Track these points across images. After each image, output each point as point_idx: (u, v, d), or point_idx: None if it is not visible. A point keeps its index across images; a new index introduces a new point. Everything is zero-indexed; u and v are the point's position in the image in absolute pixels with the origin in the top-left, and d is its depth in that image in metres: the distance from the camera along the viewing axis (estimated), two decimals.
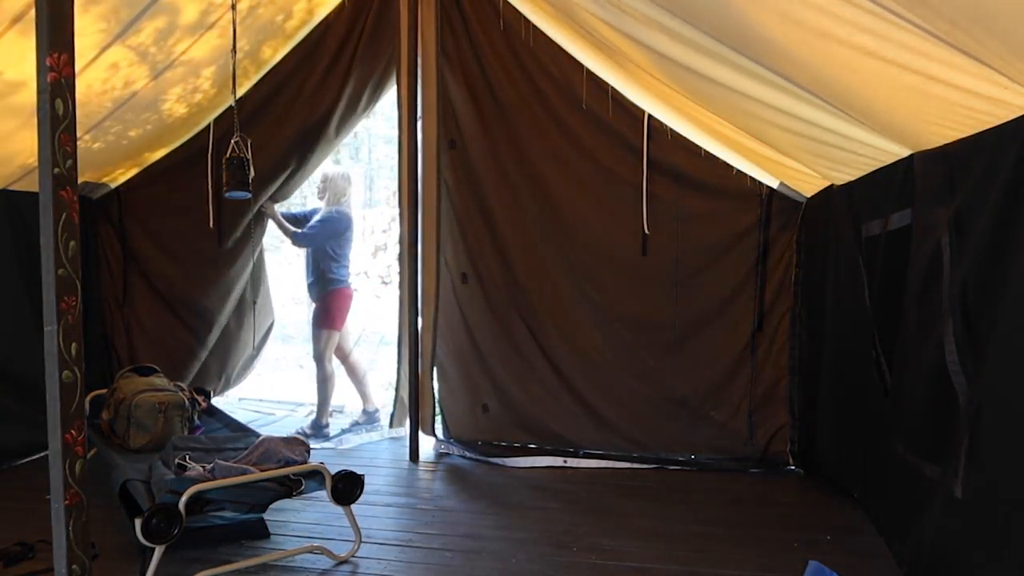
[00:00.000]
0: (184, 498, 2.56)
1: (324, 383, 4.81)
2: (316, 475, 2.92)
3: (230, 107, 3.67)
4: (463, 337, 4.47)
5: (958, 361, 2.27)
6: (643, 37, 2.97)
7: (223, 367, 5.19)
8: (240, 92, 4.14)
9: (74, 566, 2.16)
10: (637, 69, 3.59)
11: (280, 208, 4.92)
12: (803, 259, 4.07)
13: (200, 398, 4.03)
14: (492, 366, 4.45)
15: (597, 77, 4.10)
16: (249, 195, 3.72)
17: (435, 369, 4.49)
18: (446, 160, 4.39)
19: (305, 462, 2.94)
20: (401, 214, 4.40)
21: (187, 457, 2.97)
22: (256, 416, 5.21)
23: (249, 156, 3.55)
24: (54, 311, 2.06)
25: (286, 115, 4.56)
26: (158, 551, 2.59)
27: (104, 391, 3.93)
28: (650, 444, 4.30)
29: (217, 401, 4.52)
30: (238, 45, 3.56)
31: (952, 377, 2.29)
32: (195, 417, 3.83)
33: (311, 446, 3.17)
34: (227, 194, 3.67)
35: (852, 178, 3.34)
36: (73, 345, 2.10)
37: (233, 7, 3.47)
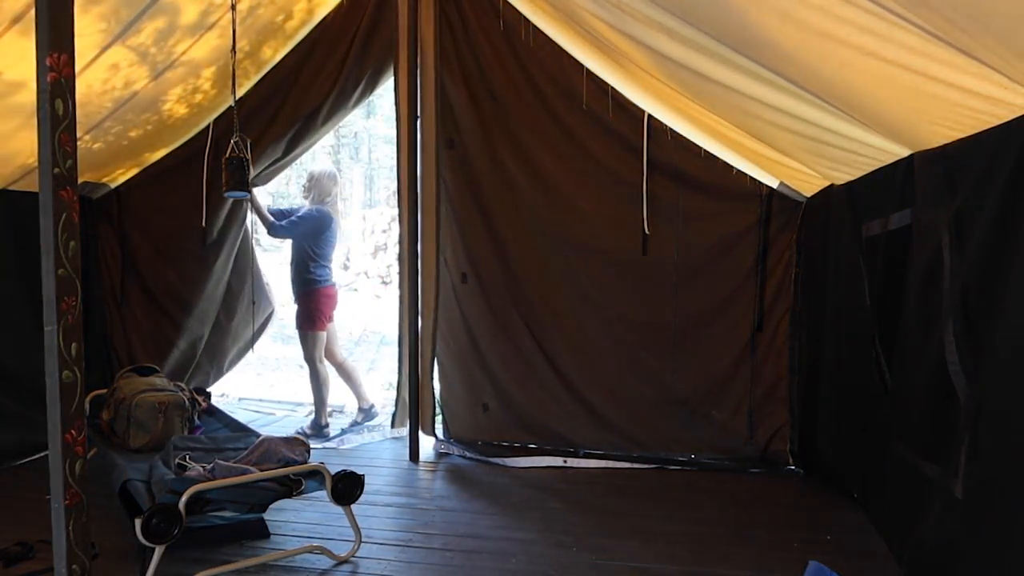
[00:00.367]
0: (184, 498, 2.56)
1: (319, 384, 4.80)
2: (316, 475, 2.92)
3: (230, 107, 3.67)
4: (463, 337, 4.48)
5: (958, 361, 2.27)
6: (643, 37, 2.97)
7: (213, 358, 5.21)
8: (240, 92, 4.14)
9: (74, 566, 2.16)
10: (637, 69, 3.59)
11: (273, 206, 4.92)
12: (803, 259, 4.06)
13: (200, 398, 4.03)
14: (492, 366, 4.45)
15: (597, 77, 4.10)
16: (248, 195, 3.72)
17: (435, 369, 4.49)
18: (445, 160, 4.39)
19: (305, 462, 2.94)
20: (401, 214, 4.40)
21: (187, 457, 2.97)
22: (256, 416, 5.21)
23: (249, 156, 3.56)
24: (54, 311, 2.07)
25: (282, 111, 4.57)
26: (158, 551, 2.59)
27: (104, 391, 3.93)
28: (650, 444, 4.29)
29: (217, 401, 4.52)
30: (238, 45, 3.57)
31: (952, 377, 2.29)
32: (195, 417, 3.83)
33: (311, 446, 3.17)
34: (226, 194, 3.70)
35: (852, 178, 3.34)
36: (73, 345, 2.10)
37: (233, 7, 3.47)
